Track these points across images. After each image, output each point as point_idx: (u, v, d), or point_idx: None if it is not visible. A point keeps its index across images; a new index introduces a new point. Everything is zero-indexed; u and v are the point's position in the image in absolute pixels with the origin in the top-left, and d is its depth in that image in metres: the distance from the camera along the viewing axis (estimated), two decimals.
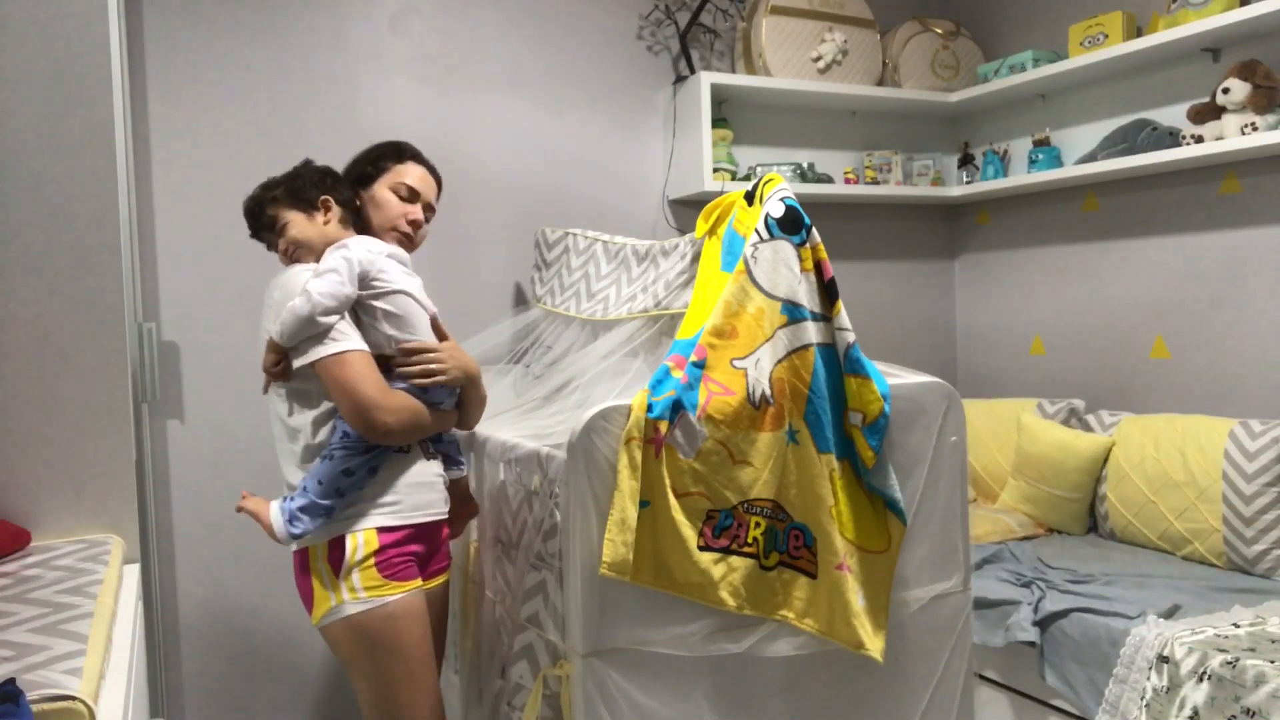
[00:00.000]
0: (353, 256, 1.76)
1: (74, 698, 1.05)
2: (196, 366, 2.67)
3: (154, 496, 2.56)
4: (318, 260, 1.81)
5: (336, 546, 1.75)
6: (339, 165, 1.99)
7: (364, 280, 1.76)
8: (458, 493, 2.01)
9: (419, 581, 1.83)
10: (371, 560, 1.75)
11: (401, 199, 1.94)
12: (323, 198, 1.86)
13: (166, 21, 2.63)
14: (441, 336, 1.91)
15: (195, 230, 2.67)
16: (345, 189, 1.92)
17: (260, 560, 2.71)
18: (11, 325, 1.76)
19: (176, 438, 2.65)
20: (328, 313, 1.70)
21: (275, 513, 1.75)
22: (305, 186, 1.86)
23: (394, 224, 1.93)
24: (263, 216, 1.85)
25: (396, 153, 1.98)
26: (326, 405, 1.77)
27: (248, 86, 2.73)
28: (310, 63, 2.81)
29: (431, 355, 1.83)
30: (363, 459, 1.75)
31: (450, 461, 1.98)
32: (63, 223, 1.79)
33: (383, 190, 1.93)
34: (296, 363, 1.73)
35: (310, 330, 1.70)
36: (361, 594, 1.75)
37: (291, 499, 1.75)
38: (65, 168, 1.79)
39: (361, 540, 1.75)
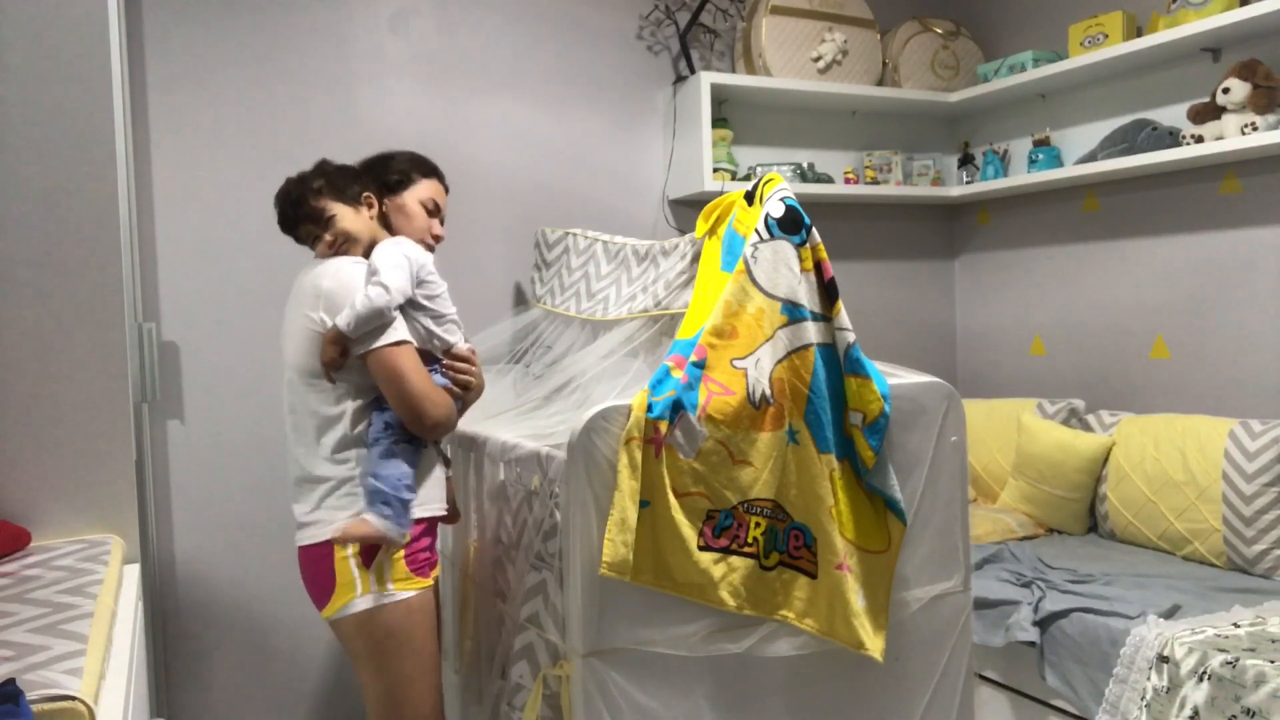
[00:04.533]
0: (411, 254, 1.84)
1: (74, 698, 1.04)
2: (196, 366, 2.67)
3: (154, 496, 2.56)
4: (364, 254, 1.86)
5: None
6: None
7: (415, 278, 1.84)
8: (449, 495, 2.03)
9: (429, 580, 1.87)
10: (401, 553, 1.80)
11: (428, 213, 2.04)
12: (365, 194, 1.92)
13: (166, 21, 2.63)
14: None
15: (195, 230, 2.66)
16: (373, 189, 1.96)
17: (260, 560, 2.72)
18: (12, 325, 1.76)
19: (176, 438, 2.65)
20: (394, 306, 1.77)
21: (378, 522, 1.76)
22: (347, 181, 1.90)
23: (420, 236, 2.01)
24: (305, 207, 1.84)
25: (425, 167, 2.07)
26: (367, 397, 1.81)
27: (248, 86, 2.73)
28: (310, 62, 2.81)
29: (471, 367, 1.95)
30: (406, 447, 1.80)
31: (445, 460, 2.02)
32: (63, 223, 1.79)
33: (413, 202, 2.01)
34: (356, 351, 1.75)
35: (379, 321, 1.74)
36: (390, 587, 1.78)
37: (381, 503, 1.76)
38: (65, 167, 1.79)
39: None
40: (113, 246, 1.83)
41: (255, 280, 2.69)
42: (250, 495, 2.71)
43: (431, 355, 1.90)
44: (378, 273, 1.76)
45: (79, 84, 1.79)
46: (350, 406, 1.80)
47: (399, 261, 1.80)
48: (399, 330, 1.78)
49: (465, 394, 1.95)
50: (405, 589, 1.80)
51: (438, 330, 1.89)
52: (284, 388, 1.88)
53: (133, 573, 1.77)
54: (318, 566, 1.81)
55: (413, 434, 1.81)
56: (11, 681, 1.02)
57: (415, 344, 1.82)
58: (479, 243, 3.04)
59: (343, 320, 1.72)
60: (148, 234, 2.61)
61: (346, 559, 1.77)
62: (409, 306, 1.84)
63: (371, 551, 1.77)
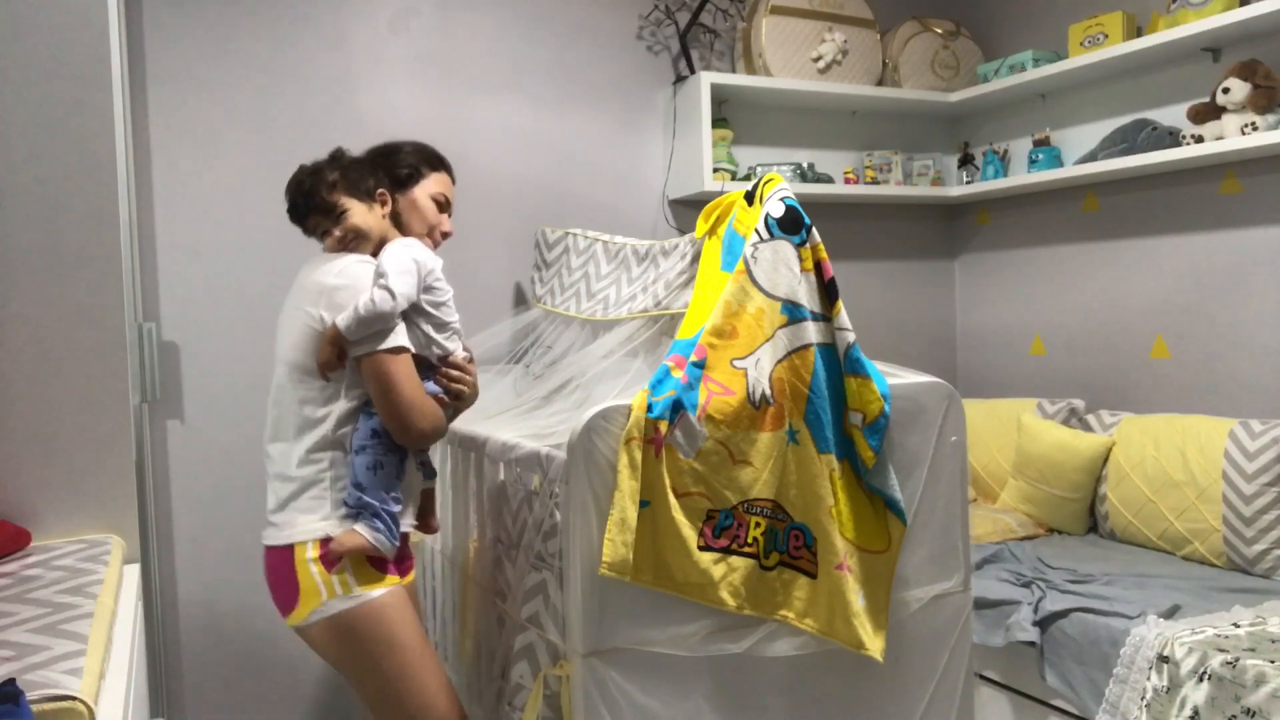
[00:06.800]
0: (421, 259, 1.81)
1: (74, 698, 1.04)
2: (196, 366, 2.67)
3: (154, 496, 2.56)
4: (373, 251, 1.82)
5: (330, 542, 1.75)
6: None
7: (422, 283, 1.81)
8: (428, 504, 2.02)
9: (398, 577, 1.84)
10: (363, 554, 1.77)
11: (439, 208, 2.01)
12: (379, 190, 1.88)
13: (167, 21, 2.63)
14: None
15: (195, 230, 2.67)
16: (386, 183, 1.93)
17: (259, 560, 2.71)
18: (11, 325, 1.76)
19: (176, 438, 2.65)
20: (397, 312, 1.73)
21: (367, 533, 1.75)
22: (362, 176, 1.86)
23: (429, 232, 1.99)
24: (317, 199, 1.80)
25: (434, 160, 2.03)
26: (356, 400, 1.78)
27: (248, 86, 2.73)
28: (310, 62, 2.81)
29: (465, 375, 1.91)
30: (392, 458, 1.78)
31: (429, 470, 1.98)
32: (63, 223, 1.79)
33: (424, 197, 1.98)
34: (352, 353, 1.72)
35: (380, 325, 1.71)
36: (355, 589, 1.75)
37: (372, 516, 1.75)
38: (65, 167, 1.78)
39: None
40: (113, 246, 1.83)
41: (255, 280, 2.69)
42: (250, 495, 2.70)
43: (428, 362, 1.86)
44: (385, 276, 1.73)
45: (79, 83, 1.79)
46: (337, 409, 1.77)
47: (407, 266, 1.76)
48: (399, 337, 1.74)
49: (457, 403, 1.91)
50: (372, 589, 1.76)
51: (438, 338, 1.86)
52: (272, 380, 1.85)
53: (133, 573, 1.77)
54: (279, 571, 1.78)
55: (397, 443, 1.78)
56: (11, 681, 1.02)
57: (413, 350, 1.79)
58: (479, 243, 3.04)
59: (342, 321, 1.69)
60: (148, 234, 2.61)
61: (307, 563, 1.74)
62: (412, 311, 1.80)
63: (334, 555, 1.74)
